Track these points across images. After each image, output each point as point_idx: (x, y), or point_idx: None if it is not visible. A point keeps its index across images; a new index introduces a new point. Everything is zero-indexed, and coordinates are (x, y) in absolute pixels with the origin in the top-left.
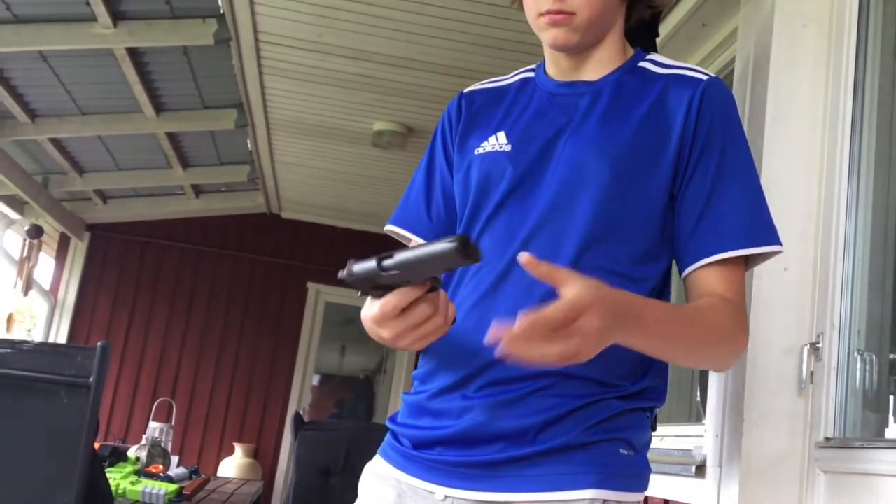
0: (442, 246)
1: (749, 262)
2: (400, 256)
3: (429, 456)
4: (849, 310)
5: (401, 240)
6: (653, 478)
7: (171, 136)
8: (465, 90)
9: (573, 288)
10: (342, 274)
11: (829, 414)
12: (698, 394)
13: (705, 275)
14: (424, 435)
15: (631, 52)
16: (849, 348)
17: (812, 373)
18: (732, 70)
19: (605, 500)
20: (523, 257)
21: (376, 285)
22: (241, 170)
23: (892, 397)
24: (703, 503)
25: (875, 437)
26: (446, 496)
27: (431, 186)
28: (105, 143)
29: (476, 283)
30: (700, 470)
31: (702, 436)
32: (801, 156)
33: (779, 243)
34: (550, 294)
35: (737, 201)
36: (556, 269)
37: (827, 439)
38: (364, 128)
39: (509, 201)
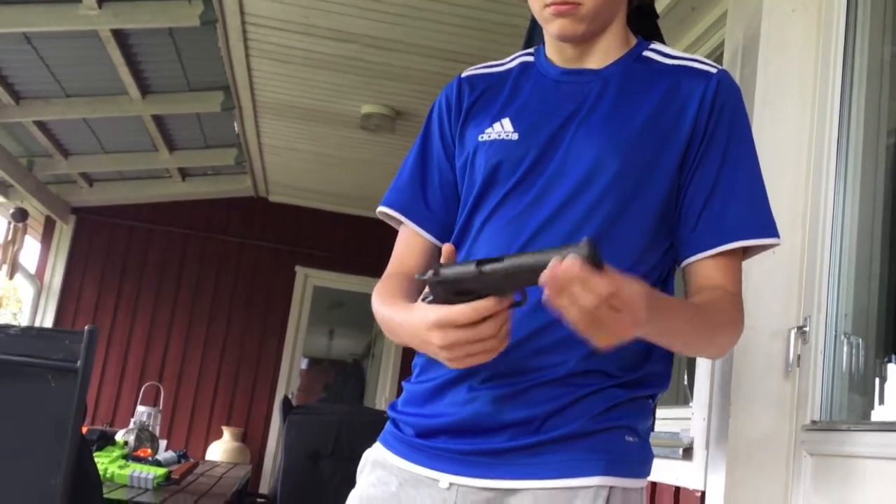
0: (568, 252)
1: (747, 251)
2: (509, 262)
3: (433, 444)
4: (836, 293)
5: (391, 223)
6: None
7: (157, 119)
8: (464, 74)
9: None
10: (426, 276)
11: (816, 397)
12: (686, 377)
13: (706, 265)
14: (428, 423)
15: (634, 40)
16: (835, 332)
17: (799, 356)
18: (721, 53)
19: (611, 487)
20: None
21: (460, 290)
22: (228, 153)
23: (877, 380)
24: (690, 485)
25: (861, 419)
26: (451, 483)
27: (427, 172)
28: (90, 125)
29: None
30: (687, 452)
31: (689, 419)
32: (789, 140)
33: (777, 235)
34: None
35: (740, 193)
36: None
37: (813, 422)
38: (352, 111)
39: (517, 190)
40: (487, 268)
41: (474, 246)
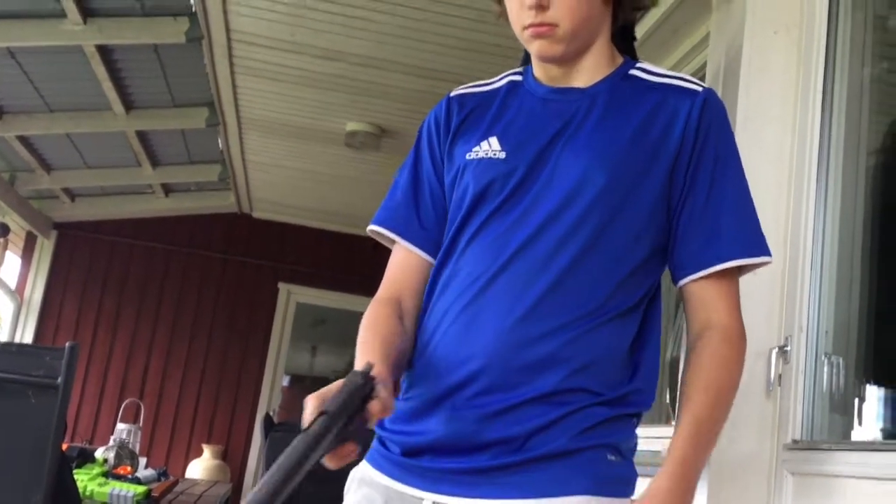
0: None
1: (741, 270)
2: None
3: (418, 463)
4: (816, 313)
5: (384, 241)
6: None
7: (141, 135)
8: (453, 93)
9: None
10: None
11: (797, 416)
12: (668, 395)
13: (701, 287)
14: (413, 441)
15: (620, 58)
16: (816, 351)
17: (780, 375)
18: (703, 76)
19: None
20: None
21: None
22: (212, 169)
23: (857, 400)
24: None
25: (842, 439)
26: (434, 503)
27: (419, 191)
28: (73, 140)
29: (462, 290)
30: None
31: (671, 437)
32: (770, 160)
33: (769, 254)
34: (541, 299)
35: (730, 213)
36: None
37: (795, 441)
38: (337, 128)
39: (503, 208)
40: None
41: (458, 264)
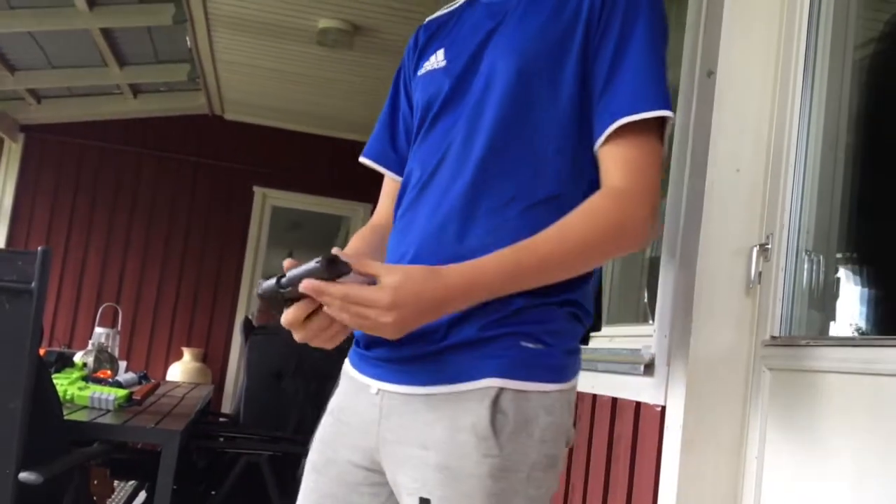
0: (311, 265)
1: (651, 130)
2: (290, 274)
3: (371, 353)
4: (798, 211)
5: (376, 171)
6: (602, 376)
7: (106, 33)
8: (424, 22)
9: (380, 289)
10: (256, 291)
11: (776, 313)
12: (646, 295)
13: (604, 156)
14: (367, 335)
15: None
16: (797, 249)
17: (760, 273)
18: None
19: (501, 388)
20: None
21: (282, 300)
22: (181, 69)
23: (836, 298)
24: (651, 400)
25: (819, 335)
26: (378, 389)
27: (395, 119)
28: (37, 39)
29: (407, 196)
30: (648, 369)
31: (650, 335)
32: (756, 55)
33: (662, 107)
34: (461, 195)
35: (630, 73)
36: (368, 263)
37: (773, 338)
38: (309, 25)
39: (442, 115)
40: (282, 281)
41: (409, 172)
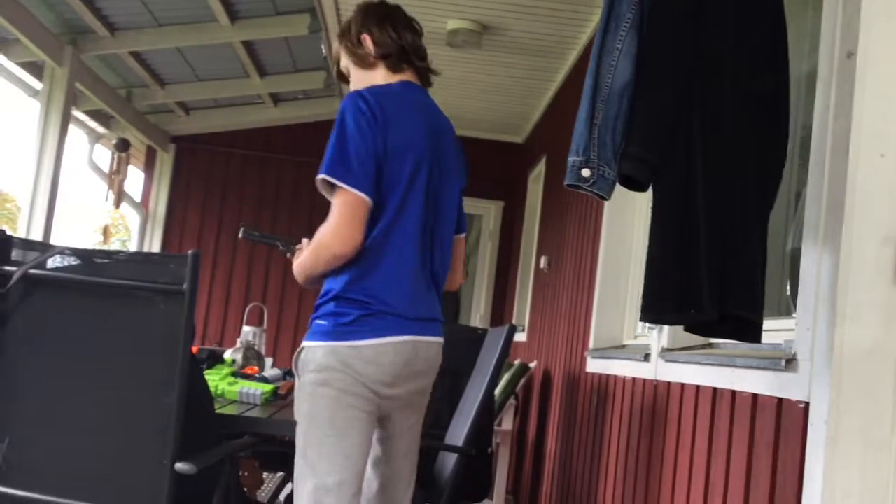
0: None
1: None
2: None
3: None
4: None
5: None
6: (741, 372)
7: (247, 45)
8: None
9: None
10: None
11: None
12: (788, 287)
13: None
14: None
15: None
16: None
17: None
18: None
19: (301, 347)
20: None
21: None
22: (318, 76)
23: None
24: (793, 396)
25: None
26: None
27: None
28: (183, 54)
29: None
30: (790, 363)
31: (792, 329)
32: None
33: (325, 172)
34: None
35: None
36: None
37: None
38: (438, 27)
39: None
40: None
41: None
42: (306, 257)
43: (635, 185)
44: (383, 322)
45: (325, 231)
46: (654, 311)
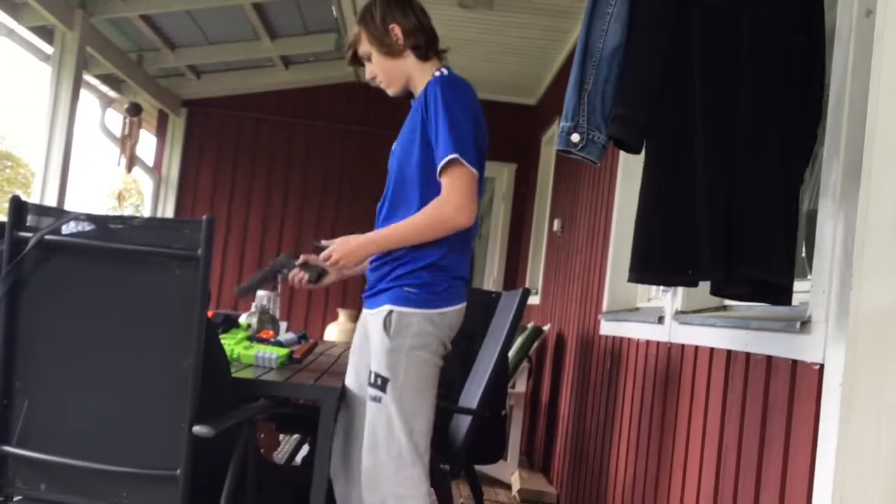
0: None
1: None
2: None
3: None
4: None
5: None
6: (755, 334)
7: (257, 7)
8: None
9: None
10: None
11: None
12: (804, 248)
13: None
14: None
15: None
16: None
17: None
18: None
19: (391, 310)
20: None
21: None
22: (328, 38)
23: None
24: (808, 359)
25: None
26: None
27: None
28: (193, 16)
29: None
30: (805, 325)
31: (807, 291)
32: None
33: (454, 152)
34: (385, 217)
35: (441, 138)
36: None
37: None
38: None
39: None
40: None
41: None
42: (410, 231)
43: (628, 146)
44: (460, 289)
45: (443, 207)
46: (638, 270)
